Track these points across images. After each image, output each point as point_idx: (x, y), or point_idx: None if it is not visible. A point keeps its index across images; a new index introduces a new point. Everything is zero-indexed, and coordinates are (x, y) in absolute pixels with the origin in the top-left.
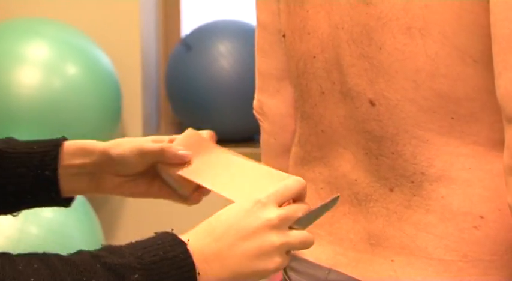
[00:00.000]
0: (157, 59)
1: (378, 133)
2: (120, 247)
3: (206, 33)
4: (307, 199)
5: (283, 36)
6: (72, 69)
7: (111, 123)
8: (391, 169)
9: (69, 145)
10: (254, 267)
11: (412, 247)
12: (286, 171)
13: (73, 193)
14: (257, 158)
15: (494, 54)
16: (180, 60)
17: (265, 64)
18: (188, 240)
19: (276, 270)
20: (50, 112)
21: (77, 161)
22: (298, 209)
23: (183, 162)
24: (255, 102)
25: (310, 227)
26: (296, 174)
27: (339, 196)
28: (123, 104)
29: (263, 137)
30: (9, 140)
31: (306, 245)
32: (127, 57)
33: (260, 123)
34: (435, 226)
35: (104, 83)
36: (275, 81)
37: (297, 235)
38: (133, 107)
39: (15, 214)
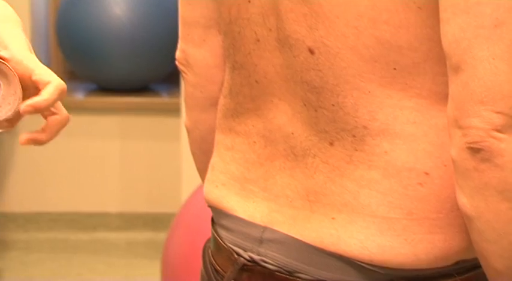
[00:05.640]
0: (47, 4)
1: (318, 84)
2: None
3: None
4: (240, 154)
5: None
6: None
7: None
8: (331, 122)
9: None
10: None
11: (354, 204)
12: (213, 125)
13: None
14: (152, 108)
15: None
16: (72, 5)
17: (189, 11)
18: None
19: None
20: None
21: None
22: None
23: None
24: (178, 53)
25: (244, 183)
26: (226, 127)
27: None
28: None
29: (187, 90)
30: None
31: None
32: (15, 2)
33: (184, 75)
34: (378, 182)
35: None
36: (201, 29)
37: None
38: None
39: None
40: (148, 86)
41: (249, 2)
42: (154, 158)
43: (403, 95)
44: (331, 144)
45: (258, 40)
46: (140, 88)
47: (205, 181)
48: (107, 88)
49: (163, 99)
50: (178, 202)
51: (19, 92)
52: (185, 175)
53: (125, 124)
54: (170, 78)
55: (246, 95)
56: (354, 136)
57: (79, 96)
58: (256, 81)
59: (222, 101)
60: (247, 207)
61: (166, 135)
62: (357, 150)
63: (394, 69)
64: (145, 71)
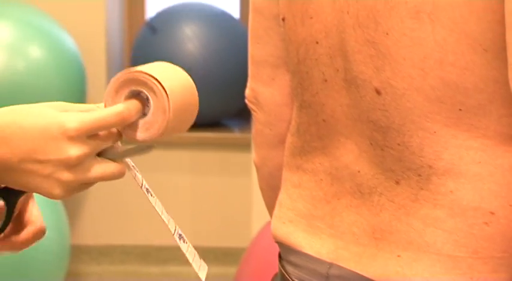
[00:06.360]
0: (122, 41)
1: (384, 123)
2: None
3: (172, 16)
4: (307, 191)
5: (283, 19)
6: (36, 52)
7: None
8: (397, 161)
9: None
10: (35, 187)
11: (420, 242)
12: (281, 162)
13: None
14: (224, 143)
15: (508, 43)
16: (146, 42)
17: (259, 51)
18: None
19: (56, 198)
20: (13, 94)
21: None
22: (104, 144)
23: None
24: (247, 91)
25: (310, 220)
26: (293, 165)
27: (154, 146)
28: (87, 86)
29: (256, 128)
30: None
31: (107, 179)
32: (92, 39)
33: (253, 113)
34: (444, 221)
35: (69, 65)
36: (270, 69)
37: (92, 170)
38: (98, 90)
39: None
40: (220, 121)
41: (317, 43)
42: (225, 192)
43: (468, 136)
44: (397, 183)
45: (326, 80)
46: (212, 123)
47: (273, 217)
48: None
49: (235, 135)
50: (248, 237)
51: (168, 112)
52: (255, 209)
53: (196, 159)
54: (241, 114)
55: (313, 133)
56: (420, 175)
57: None
58: (324, 120)
59: (289, 139)
60: (314, 243)
61: (237, 170)
62: (422, 189)
63: (460, 110)
64: (217, 107)
